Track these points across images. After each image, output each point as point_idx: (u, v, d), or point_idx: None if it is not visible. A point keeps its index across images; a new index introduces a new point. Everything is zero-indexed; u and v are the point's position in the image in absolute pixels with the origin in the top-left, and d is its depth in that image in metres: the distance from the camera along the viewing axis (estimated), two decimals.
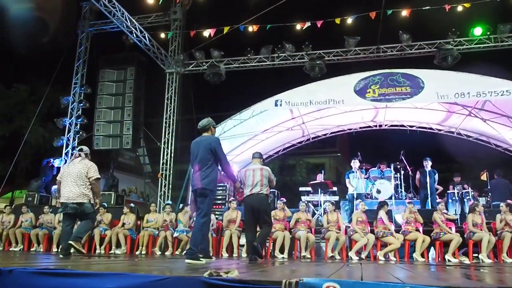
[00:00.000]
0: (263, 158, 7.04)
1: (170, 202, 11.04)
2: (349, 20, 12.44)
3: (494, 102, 11.40)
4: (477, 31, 12.12)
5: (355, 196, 10.70)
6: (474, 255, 8.19)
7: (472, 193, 10.98)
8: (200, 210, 5.47)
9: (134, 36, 12.53)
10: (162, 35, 13.71)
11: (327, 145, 22.49)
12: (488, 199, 11.11)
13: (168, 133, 13.50)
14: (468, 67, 11.20)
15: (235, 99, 12.23)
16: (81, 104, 13.97)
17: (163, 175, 13.06)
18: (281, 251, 8.47)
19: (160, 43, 13.59)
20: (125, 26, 12.16)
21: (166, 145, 13.38)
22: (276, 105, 11.33)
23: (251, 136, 13.24)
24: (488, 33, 12.06)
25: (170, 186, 13.02)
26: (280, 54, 13.18)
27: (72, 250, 6.19)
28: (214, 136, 5.92)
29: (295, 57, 13.16)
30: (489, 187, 11.32)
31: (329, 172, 25.36)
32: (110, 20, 12.29)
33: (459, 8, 11.82)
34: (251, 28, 12.75)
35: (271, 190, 8.43)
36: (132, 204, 10.68)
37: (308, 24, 12.54)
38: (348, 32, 12.64)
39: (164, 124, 13.57)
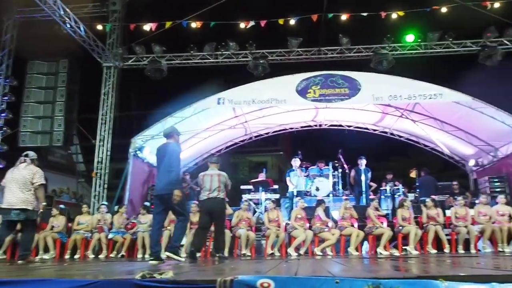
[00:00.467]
0: (220, 163, 7.30)
1: (105, 202, 10.71)
2: (292, 21, 12.76)
3: (424, 105, 12.15)
4: (410, 38, 12.88)
5: (295, 194, 11.00)
6: (403, 247, 8.74)
7: (403, 189, 11.65)
8: (178, 212, 5.91)
9: (68, 26, 11.98)
10: (100, 27, 13.16)
11: (269, 144, 22.77)
12: (416, 195, 11.85)
13: (104, 130, 13.02)
14: (401, 71, 11.82)
15: (176, 96, 12.03)
16: (6, 98, 12.95)
17: (98, 174, 12.63)
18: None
19: (97, 35, 13.07)
20: (57, 15, 11.56)
21: (102, 143, 12.91)
22: (218, 103, 11.32)
23: (193, 134, 13.14)
24: (419, 40, 12.87)
25: (106, 185, 12.60)
26: (224, 52, 13.22)
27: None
28: (175, 143, 6.09)
29: (239, 56, 13.25)
30: (417, 184, 12.10)
31: (271, 171, 25.72)
32: (40, 7, 11.45)
33: (394, 16, 12.52)
34: (194, 25, 12.69)
35: None
36: (62, 206, 10.19)
37: (252, 23, 12.69)
38: (291, 33, 12.96)
39: (100, 121, 13.08)
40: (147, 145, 11.92)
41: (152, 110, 15.85)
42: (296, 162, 11.58)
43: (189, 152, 14.07)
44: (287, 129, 15.09)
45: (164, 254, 6.12)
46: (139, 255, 8.95)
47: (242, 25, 12.74)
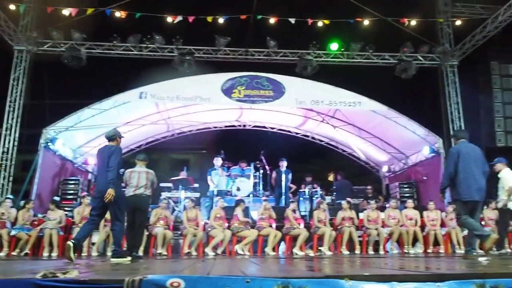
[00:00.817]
0: (148, 161, 7.33)
1: (11, 196, 9.91)
2: (221, 20, 12.68)
3: (344, 112, 12.67)
4: (334, 46, 13.41)
5: (215, 193, 10.92)
6: (318, 248, 9.00)
7: (321, 192, 12.04)
8: (115, 214, 5.95)
9: None
10: (13, 7, 12.09)
11: (192, 142, 22.40)
12: (333, 197, 12.31)
13: (12, 118, 12.07)
14: (324, 78, 12.18)
15: (96, 87, 11.52)
16: None
17: (3, 165, 11.65)
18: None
19: (10, 16, 12.04)
20: None
21: (8, 132, 11.95)
22: (140, 97, 10.91)
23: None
24: (343, 49, 13.42)
25: (11, 178, 11.67)
26: (149, 45, 12.80)
27: None
28: (116, 146, 6.20)
29: (164, 50, 12.91)
30: (334, 187, 12.58)
31: (193, 169, 25.37)
32: None
33: (320, 24, 12.93)
34: (118, 14, 12.13)
35: None
36: None
37: (180, 18, 12.42)
38: (219, 32, 12.89)
39: (7, 108, 12.10)
40: (60, 136, 11.18)
41: (67, 100, 14.95)
42: (218, 161, 11.52)
43: None
44: (210, 128, 14.97)
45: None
46: (45, 254, 8.41)
47: (169, 19, 12.42)
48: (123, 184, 6.84)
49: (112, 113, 11.52)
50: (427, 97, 14.35)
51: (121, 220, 6.08)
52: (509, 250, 8.61)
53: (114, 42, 12.67)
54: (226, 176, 11.95)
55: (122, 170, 6.59)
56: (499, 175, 7.70)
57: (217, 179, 11.24)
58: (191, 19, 12.42)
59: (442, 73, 13.63)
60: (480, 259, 5.13)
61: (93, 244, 8.72)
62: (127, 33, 12.71)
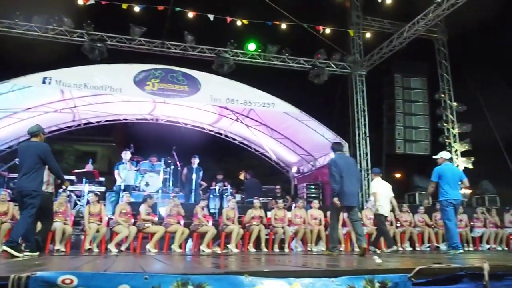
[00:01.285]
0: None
1: None
2: (137, 9, 12.21)
3: (258, 112, 12.91)
4: (251, 46, 13.57)
5: (122, 188, 10.49)
6: (225, 245, 9.04)
7: (231, 190, 12.12)
8: (29, 207, 5.73)
9: None
10: None
11: (100, 133, 21.47)
12: (243, 196, 12.46)
13: None
14: (241, 77, 12.31)
15: None
16: None
17: None
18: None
19: None
20: None
21: None
22: (44, 82, 10.12)
23: (9, 114, 11.53)
24: (260, 50, 13.62)
25: None
26: (56, 28, 11.91)
27: None
28: (44, 143, 6.13)
29: (73, 34, 12.12)
30: (244, 186, 12.74)
31: (101, 162, 24.23)
32: None
33: (239, 23, 13.00)
34: None
35: None
36: None
37: (92, 1, 11.73)
38: (134, 21, 12.39)
39: None
40: None
41: None
42: (126, 155, 11.05)
43: (3, 134, 12.33)
44: (121, 120, 14.38)
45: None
46: None
47: (80, 1, 11.68)
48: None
49: (10, 97, 10.59)
50: (336, 103, 15.13)
51: (26, 218, 5.82)
52: (401, 249, 9.42)
53: (16, 20, 11.60)
54: (135, 170, 11.54)
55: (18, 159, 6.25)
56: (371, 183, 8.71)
57: (124, 173, 10.79)
58: (104, 3, 11.79)
59: (352, 81, 14.44)
60: (375, 257, 5.50)
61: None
62: (31, 12, 11.71)
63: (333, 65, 14.23)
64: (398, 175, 21.89)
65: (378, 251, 8.29)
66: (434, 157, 7.93)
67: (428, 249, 10.17)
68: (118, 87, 10.76)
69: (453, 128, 14.97)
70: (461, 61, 15.50)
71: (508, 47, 15.67)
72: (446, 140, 14.94)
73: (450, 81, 15.31)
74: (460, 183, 7.44)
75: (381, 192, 8.41)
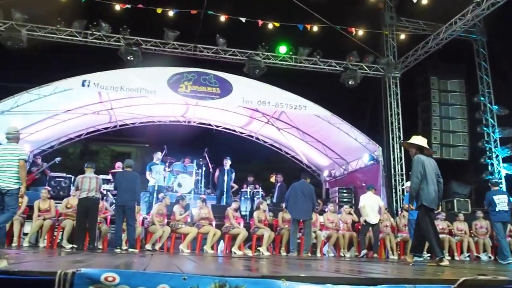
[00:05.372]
0: (94, 168, 8.33)
1: None
2: (171, 13, 12.43)
3: (289, 114, 12.88)
4: (282, 49, 13.52)
5: (156, 188, 10.69)
6: (257, 248, 9.07)
7: (262, 192, 12.14)
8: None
9: None
10: None
11: (135, 135, 21.88)
12: (274, 199, 12.46)
13: None
14: (272, 80, 12.31)
15: (35, 71, 10.79)
16: None
17: None
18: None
19: None
20: None
21: None
22: (83, 85, 10.47)
23: (51, 115, 11.96)
24: (291, 53, 13.57)
25: None
26: (95, 32, 12.28)
27: None
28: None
29: (111, 39, 12.43)
30: (275, 189, 12.72)
31: (135, 162, 24.58)
32: None
33: (270, 26, 13.02)
34: None
35: None
36: None
37: (128, 6, 12.02)
38: (168, 25, 12.60)
39: None
40: None
41: (4, 83, 14.06)
42: (158, 155, 11.27)
43: (45, 134, 12.80)
44: (155, 122, 14.66)
45: None
46: None
47: (117, 7, 12.00)
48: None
49: (52, 100, 10.98)
50: (369, 106, 14.88)
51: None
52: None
53: (58, 26, 12.03)
54: (168, 171, 11.74)
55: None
56: None
57: (157, 174, 11.00)
58: (139, 7, 12.05)
59: (385, 83, 14.18)
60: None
61: (25, 234, 8.34)
62: (72, 18, 12.11)
63: (365, 68, 14.03)
64: None
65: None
66: None
67: (467, 258, 9.85)
68: (153, 89, 10.99)
69: (493, 132, 14.42)
70: (501, 63, 14.90)
71: None
72: (486, 145, 14.40)
73: (490, 83, 14.74)
74: None
75: (369, 204, 9.32)
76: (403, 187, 10.33)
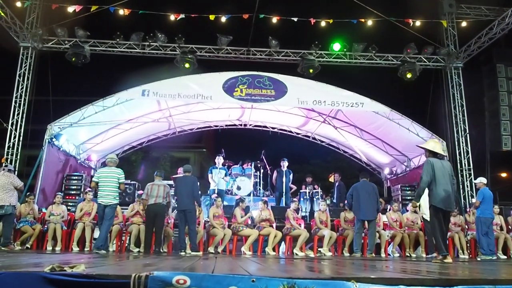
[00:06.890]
0: (163, 177, 8.91)
1: None
2: (223, 19, 12.64)
3: (345, 113, 12.64)
4: (336, 46, 13.30)
5: (216, 192, 10.89)
6: (318, 249, 8.95)
7: (321, 193, 11.99)
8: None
9: None
10: (19, 4, 12.09)
11: (193, 140, 22.46)
12: (334, 199, 12.25)
13: (18, 114, 12.12)
14: (326, 78, 12.14)
15: (99, 84, 11.48)
16: None
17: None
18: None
19: (16, 13, 12.05)
20: None
21: (14, 127, 11.97)
22: (143, 95, 10.90)
23: (114, 125, 12.56)
24: (345, 50, 13.31)
25: (16, 173, 11.63)
26: (152, 43, 12.76)
27: None
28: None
29: (167, 48, 12.87)
30: (335, 188, 12.52)
31: (193, 167, 25.30)
32: None
33: (323, 24, 12.85)
34: (122, 11, 12.11)
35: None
36: None
37: (182, 16, 12.38)
38: (221, 31, 12.84)
39: (13, 104, 12.13)
40: (64, 132, 11.25)
41: (71, 97, 14.95)
42: (219, 160, 11.48)
43: (109, 144, 13.46)
44: (211, 127, 14.96)
45: None
46: (49, 247, 8.50)
47: (172, 17, 12.38)
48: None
49: (115, 111, 11.53)
50: (430, 99, 14.22)
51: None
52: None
53: (117, 39, 12.65)
54: (228, 175, 11.92)
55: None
56: None
57: (217, 178, 11.20)
58: (193, 16, 12.37)
59: (446, 75, 13.54)
60: None
61: (95, 239, 8.73)
62: (130, 31, 12.70)
63: (424, 59, 13.47)
64: (504, 175, 20.00)
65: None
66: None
67: None
68: (209, 94, 11.21)
69: None
70: None
71: None
72: None
73: None
74: None
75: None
76: (475, 181, 9.64)
